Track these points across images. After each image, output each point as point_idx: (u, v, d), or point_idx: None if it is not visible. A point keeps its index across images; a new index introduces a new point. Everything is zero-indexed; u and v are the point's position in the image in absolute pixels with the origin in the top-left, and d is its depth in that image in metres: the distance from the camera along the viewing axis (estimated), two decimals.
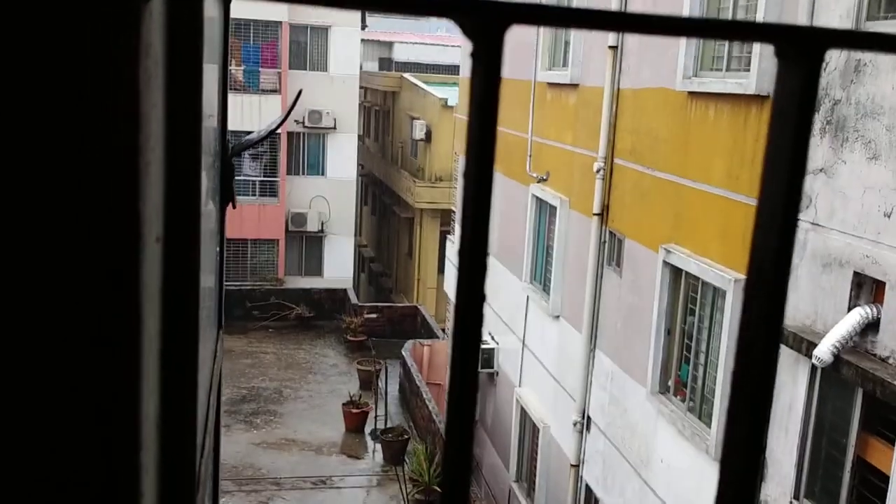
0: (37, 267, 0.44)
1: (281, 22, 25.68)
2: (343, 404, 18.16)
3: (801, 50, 0.42)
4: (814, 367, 6.61)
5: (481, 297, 0.43)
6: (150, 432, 0.61)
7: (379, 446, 17.06)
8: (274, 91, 25.67)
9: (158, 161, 0.50)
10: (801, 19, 7.00)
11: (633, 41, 10.31)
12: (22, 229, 0.44)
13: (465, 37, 0.40)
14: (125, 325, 0.45)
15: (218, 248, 1.54)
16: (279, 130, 25.56)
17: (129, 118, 0.42)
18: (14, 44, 0.43)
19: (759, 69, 7.55)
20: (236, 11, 25.45)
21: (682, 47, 8.85)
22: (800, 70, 0.43)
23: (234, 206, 1.63)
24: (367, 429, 17.92)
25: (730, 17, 8.32)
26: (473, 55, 0.40)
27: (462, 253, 0.43)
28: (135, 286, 0.44)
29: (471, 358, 0.47)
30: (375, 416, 17.86)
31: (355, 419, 17.90)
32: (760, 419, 0.52)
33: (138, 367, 0.47)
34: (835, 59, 6.67)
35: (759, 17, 7.54)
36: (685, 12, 8.77)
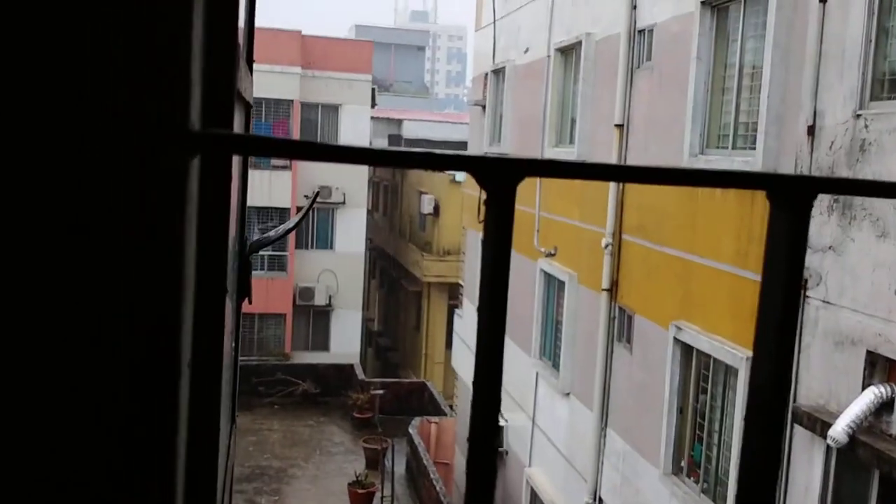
0: (82, 396, 0.47)
1: (293, 100, 26.22)
2: (349, 484, 17.84)
3: (791, 195, 0.45)
4: (829, 448, 6.51)
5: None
6: None
7: None
8: (285, 167, 26.05)
9: (191, 291, 0.53)
10: (805, 100, 7.12)
11: (639, 119, 10.49)
12: (74, 362, 0.47)
13: (481, 186, 0.43)
14: (161, 457, 0.47)
15: (234, 344, 1.55)
16: (289, 205, 25.83)
17: (173, 263, 0.46)
18: (79, 196, 0.46)
19: (764, 147, 7.65)
20: None
21: (689, 125, 9.00)
22: (790, 214, 0.45)
23: (250, 302, 1.65)
24: None
25: (734, 98, 8.47)
26: (487, 203, 0.43)
27: (476, 391, 0.44)
28: (174, 414, 0.47)
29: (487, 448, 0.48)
30: (382, 497, 17.51)
31: (361, 500, 17.54)
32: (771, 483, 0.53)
33: (173, 490, 0.48)
34: (839, 137, 6.76)
35: (763, 98, 7.67)
36: (689, 95, 8.94)
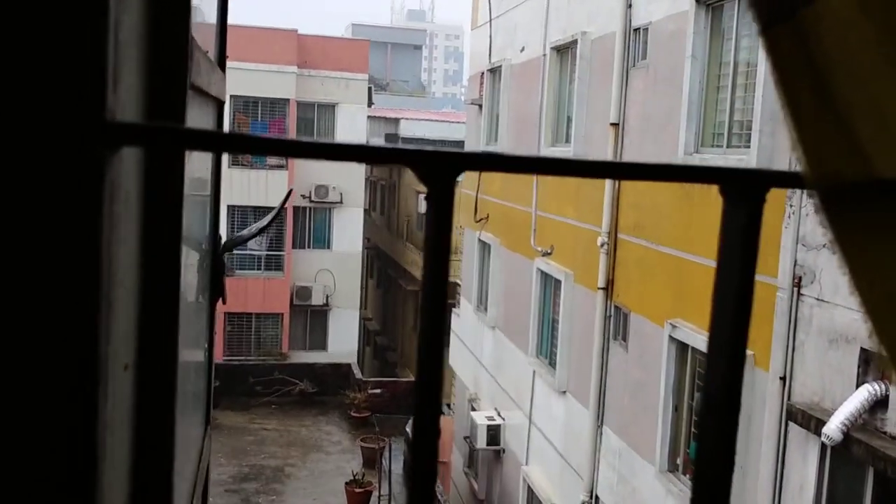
0: None
1: (289, 99, 26.20)
2: (346, 483, 17.84)
3: (744, 190, 0.44)
4: (823, 446, 6.51)
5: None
6: None
7: None
8: (280, 167, 26.01)
9: (129, 291, 0.52)
10: None
11: (634, 118, 10.49)
12: None
13: (420, 181, 0.42)
14: (82, 459, 0.46)
15: (207, 345, 1.54)
16: (285, 205, 25.82)
17: (88, 263, 0.44)
18: None
19: (759, 145, 7.65)
20: (244, 89, 25.69)
21: (683, 123, 8.99)
22: (743, 208, 0.44)
23: (223, 302, 1.64)
24: None
25: (729, 97, 8.47)
26: (427, 198, 0.42)
27: (418, 390, 0.43)
28: (92, 414, 0.45)
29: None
30: (379, 496, 17.52)
31: (358, 499, 17.56)
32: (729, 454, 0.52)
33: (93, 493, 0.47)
34: None
35: (758, 96, 7.67)
36: (684, 93, 8.94)
